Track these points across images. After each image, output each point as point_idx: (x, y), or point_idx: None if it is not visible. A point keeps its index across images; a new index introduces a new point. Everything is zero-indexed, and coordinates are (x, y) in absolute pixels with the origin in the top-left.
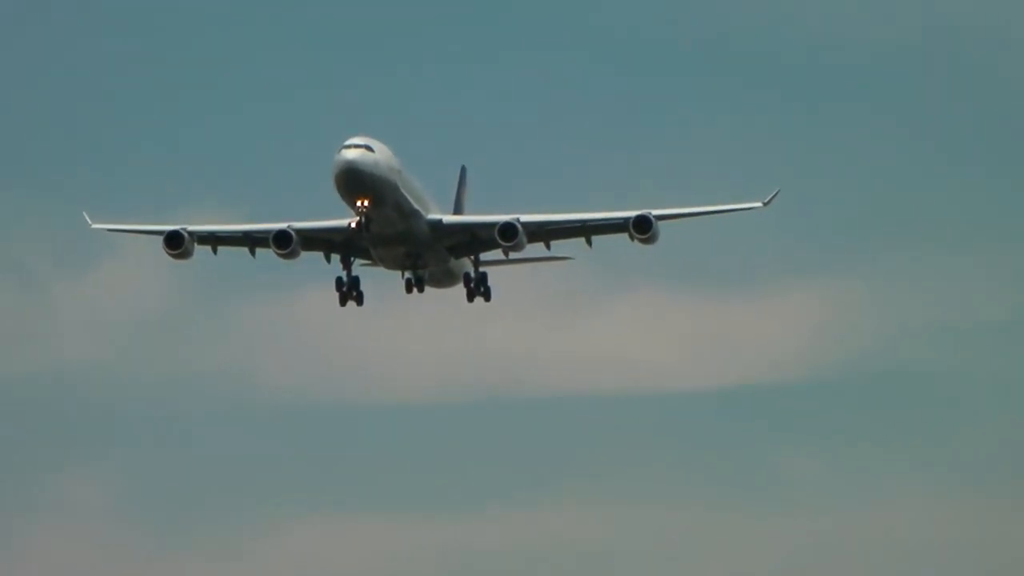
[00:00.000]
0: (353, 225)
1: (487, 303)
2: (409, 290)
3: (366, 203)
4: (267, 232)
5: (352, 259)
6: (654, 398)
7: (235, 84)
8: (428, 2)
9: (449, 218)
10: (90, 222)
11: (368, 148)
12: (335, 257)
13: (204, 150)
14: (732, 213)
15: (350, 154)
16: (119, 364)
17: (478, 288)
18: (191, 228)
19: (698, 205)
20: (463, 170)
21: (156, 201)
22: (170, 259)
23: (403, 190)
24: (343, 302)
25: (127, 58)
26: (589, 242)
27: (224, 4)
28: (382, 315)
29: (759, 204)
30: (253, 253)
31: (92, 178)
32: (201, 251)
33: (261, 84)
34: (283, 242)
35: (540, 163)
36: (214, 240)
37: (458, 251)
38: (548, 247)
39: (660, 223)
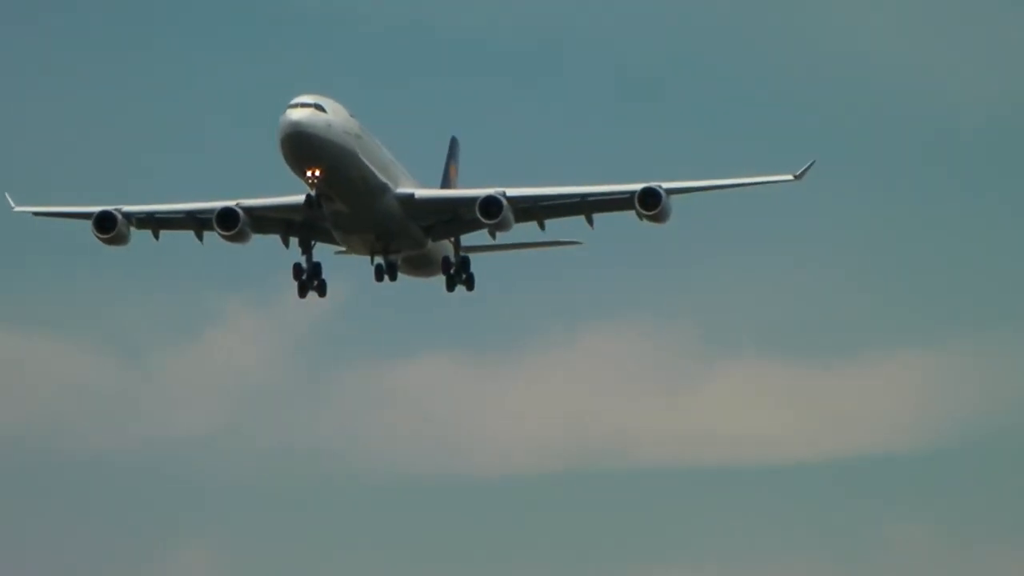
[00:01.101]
0: (304, 200)
1: (470, 292)
2: (379, 278)
3: (318, 173)
4: (212, 211)
5: (313, 243)
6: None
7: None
8: None
9: (422, 192)
10: (12, 204)
11: (318, 107)
12: (294, 241)
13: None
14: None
15: (296, 114)
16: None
17: (459, 275)
18: (125, 208)
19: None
20: (453, 142)
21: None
22: (102, 245)
23: (364, 158)
24: (302, 293)
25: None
26: (590, 221)
27: None
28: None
29: (790, 177)
30: (200, 237)
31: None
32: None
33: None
34: (229, 222)
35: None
36: (154, 223)
37: (436, 232)
38: (542, 227)
39: (673, 198)
